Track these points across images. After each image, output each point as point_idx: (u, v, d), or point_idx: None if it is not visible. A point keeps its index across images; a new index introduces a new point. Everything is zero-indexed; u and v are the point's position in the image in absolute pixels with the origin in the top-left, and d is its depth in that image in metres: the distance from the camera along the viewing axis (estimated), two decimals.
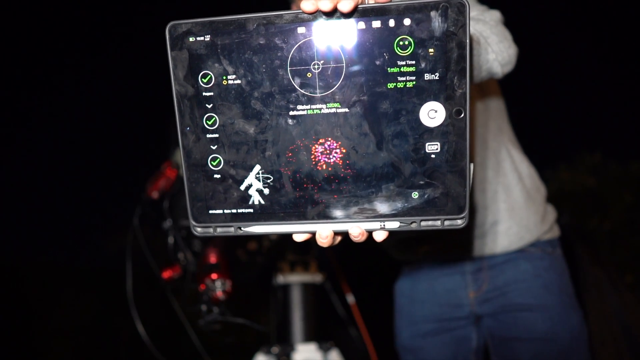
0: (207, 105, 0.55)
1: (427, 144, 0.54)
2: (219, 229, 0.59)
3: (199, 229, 0.59)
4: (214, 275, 1.21)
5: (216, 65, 0.54)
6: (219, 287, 1.20)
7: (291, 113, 0.54)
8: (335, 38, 0.52)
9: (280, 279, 1.52)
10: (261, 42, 0.53)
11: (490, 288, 1.11)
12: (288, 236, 0.60)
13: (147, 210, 1.35)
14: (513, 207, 1.07)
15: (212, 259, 1.25)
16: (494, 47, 0.79)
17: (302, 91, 0.54)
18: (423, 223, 0.56)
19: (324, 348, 1.43)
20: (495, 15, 0.87)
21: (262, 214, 0.57)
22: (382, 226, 0.56)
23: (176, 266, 1.31)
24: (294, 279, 1.52)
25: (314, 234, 0.58)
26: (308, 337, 1.47)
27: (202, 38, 0.54)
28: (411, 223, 0.56)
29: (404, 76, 0.52)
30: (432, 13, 0.51)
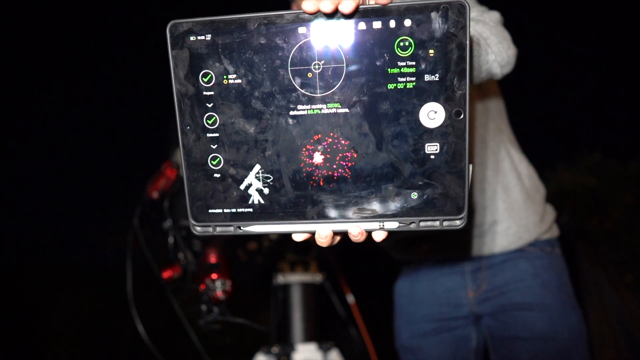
0: (207, 104, 0.55)
1: (426, 144, 0.54)
2: (218, 229, 0.59)
3: (198, 229, 0.59)
4: (214, 275, 1.21)
5: (217, 64, 0.54)
6: (219, 287, 1.20)
7: (291, 113, 0.54)
8: (335, 38, 0.52)
9: (280, 279, 1.52)
10: (262, 41, 0.53)
11: (489, 288, 1.11)
12: (288, 236, 0.61)
13: (147, 210, 1.35)
14: (512, 207, 1.08)
15: (212, 259, 1.26)
16: (493, 48, 0.78)
17: (303, 91, 0.54)
18: (422, 223, 0.56)
19: (324, 348, 1.43)
20: (494, 16, 0.87)
21: (261, 214, 0.57)
22: (381, 226, 0.56)
23: (176, 266, 1.31)
24: (294, 279, 1.52)
25: (313, 233, 0.58)
26: (308, 337, 1.47)
27: (203, 37, 0.54)
28: (410, 223, 0.56)
29: (404, 77, 0.52)
30: (433, 14, 0.51)
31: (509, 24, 0.91)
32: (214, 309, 1.20)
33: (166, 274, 1.30)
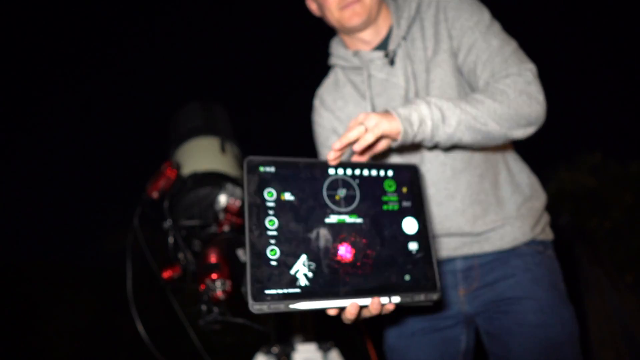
0: (269, 212, 0.80)
1: (408, 244, 0.84)
2: (272, 306, 0.75)
3: (256, 307, 0.74)
4: (214, 275, 1.21)
5: (277, 186, 0.82)
6: (219, 287, 1.20)
7: (326, 220, 0.82)
8: (351, 176, 0.86)
9: None
10: (308, 175, 0.84)
11: (480, 285, 1.11)
12: None
13: (147, 210, 1.35)
14: (505, 217, 1.09)
15: (212, 259, 1.26)
16: (506, 123, 0.95)
17: (333, 207, 0.83)
18: (414, 297, 0.81)
19: (324, 348, 1.43)
20: (524, 79, 0.97)
21: (306, 293, 0.77)
22: (390, 300, 0.79)
23: (176, 266, 1.31)
24: None
25: (343, 309, 0.79)
26: (308, 337, 1.47)
27: (269, 169, 0.82)
28: (407, 297, 0.80)
29: (391, 202, 0.86)
30: (402, 171, 0.88)
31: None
32: (214, 309, 1.20)
33: (166, 274, 1.30)
